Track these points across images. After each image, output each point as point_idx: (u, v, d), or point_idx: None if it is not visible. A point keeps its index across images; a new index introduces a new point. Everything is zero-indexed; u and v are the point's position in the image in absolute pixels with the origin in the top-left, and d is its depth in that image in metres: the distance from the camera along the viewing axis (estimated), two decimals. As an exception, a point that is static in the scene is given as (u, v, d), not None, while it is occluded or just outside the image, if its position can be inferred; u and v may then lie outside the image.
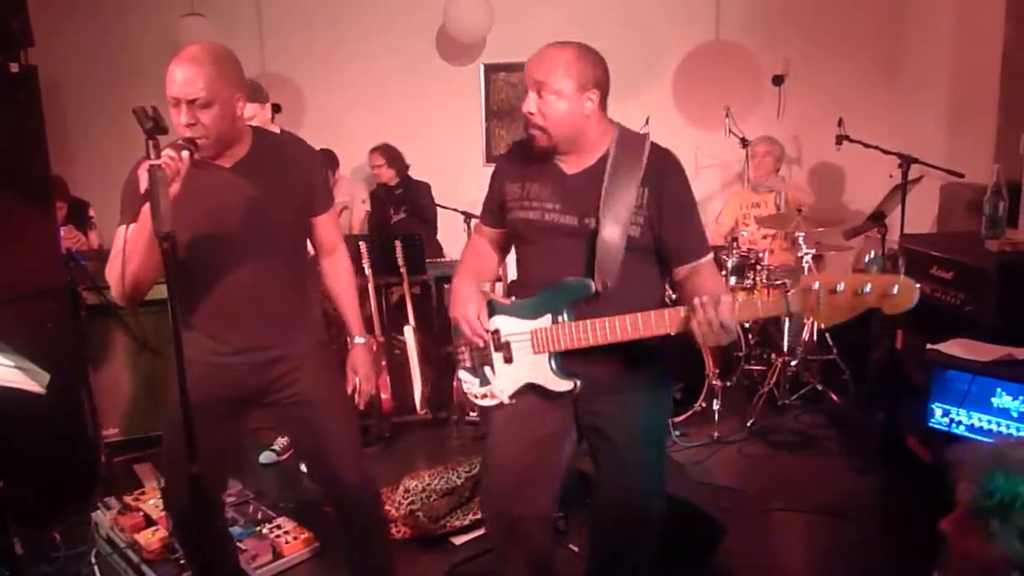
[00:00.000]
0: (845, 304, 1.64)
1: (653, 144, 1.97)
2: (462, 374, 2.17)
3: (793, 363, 4.32)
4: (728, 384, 4.28)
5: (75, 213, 4.45)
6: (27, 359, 2.39)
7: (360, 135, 5.39)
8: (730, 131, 5.23)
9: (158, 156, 1.66)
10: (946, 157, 4.21)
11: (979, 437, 2.67)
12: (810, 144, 5.61)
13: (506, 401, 2.07)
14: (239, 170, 2.10)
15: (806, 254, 4.19)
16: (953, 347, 2.86)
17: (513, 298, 2.12)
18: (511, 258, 2.25)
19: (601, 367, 1.95)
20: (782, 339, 4.33)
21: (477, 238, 2.27)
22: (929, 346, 2.92)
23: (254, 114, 3.09)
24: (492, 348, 2.07)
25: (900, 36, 5.49)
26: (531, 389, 2.04)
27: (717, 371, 4.11)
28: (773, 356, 4.38)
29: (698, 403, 4.09)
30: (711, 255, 2.03)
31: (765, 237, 4.75)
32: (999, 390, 2.64)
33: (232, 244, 2.08)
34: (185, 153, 1.86)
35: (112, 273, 1.97)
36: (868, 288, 1.61)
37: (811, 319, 1.73)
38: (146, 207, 1.76)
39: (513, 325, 2.03)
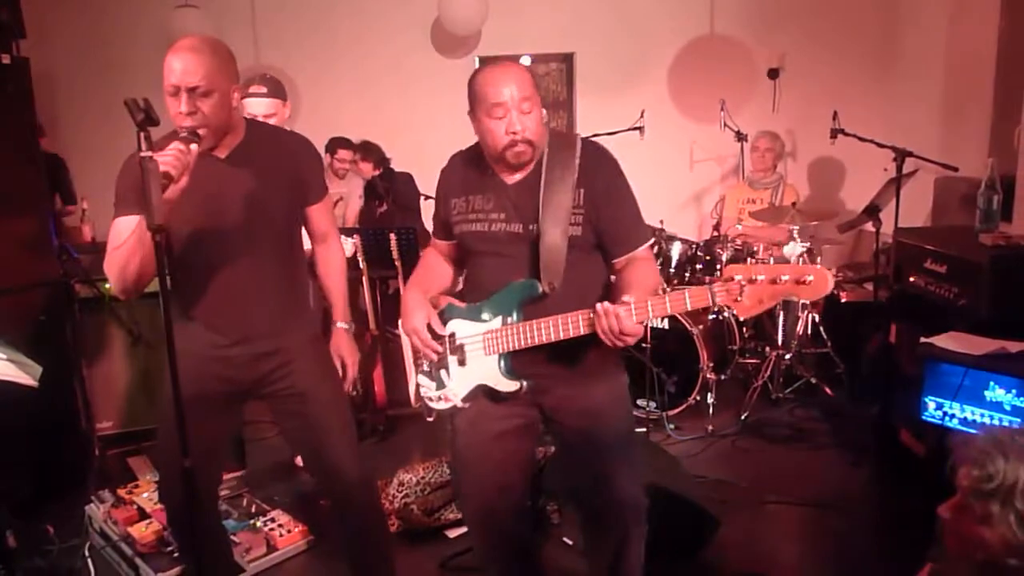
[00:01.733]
0: (765, 293, 1.69)
1: (585, 142, 2.02)
2: (420, 378, 2.19)
3: (787, 356, 4.33)
4: (722, 377, 4.29)
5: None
6: (20, 352, 2.39)
7: (354, 127, 5.37)
8: (725, 124, 5.22)
9: (149, 148, 1.65)
10: (940, 151, 4.22)
11: (972, 430, 2.68)
12: (805, 138, 5.61)
13: (459, 404, 2.09)
14: (233, 160, 2.10)
15: (801, 247, 4.20)
16: (946, 340, 2.87)
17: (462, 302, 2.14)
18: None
19: (544, 365, 1.99)
20: (776, 333, 4.34)
21: (431, 251, 2.29)
22: (922, 339, 2.93)
23: (275, 111, 3.07)
24: (448, 351, 2.09)
25: (895, 30, 5.49)
26: (481, 391, 2.06)
27: (711, 364, 4.12)
28: (767, 349, 4.39)
29: (692, 396, 4.10)
30: (646, 245, 2.06)
31: (759, 231, 4.75)
32: (992, 383, 2.65)
33: (228, 234, 2.08)
34: (193, 146, 1.88)
35: (113, 267, 1.96)
36: (785, 277, 1.67)
37: (734, 310, 1.75)
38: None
39: (467, 328, 2.05)
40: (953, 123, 4.72)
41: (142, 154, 1.65)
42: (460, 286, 2.23)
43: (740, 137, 5.26)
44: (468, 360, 2.05)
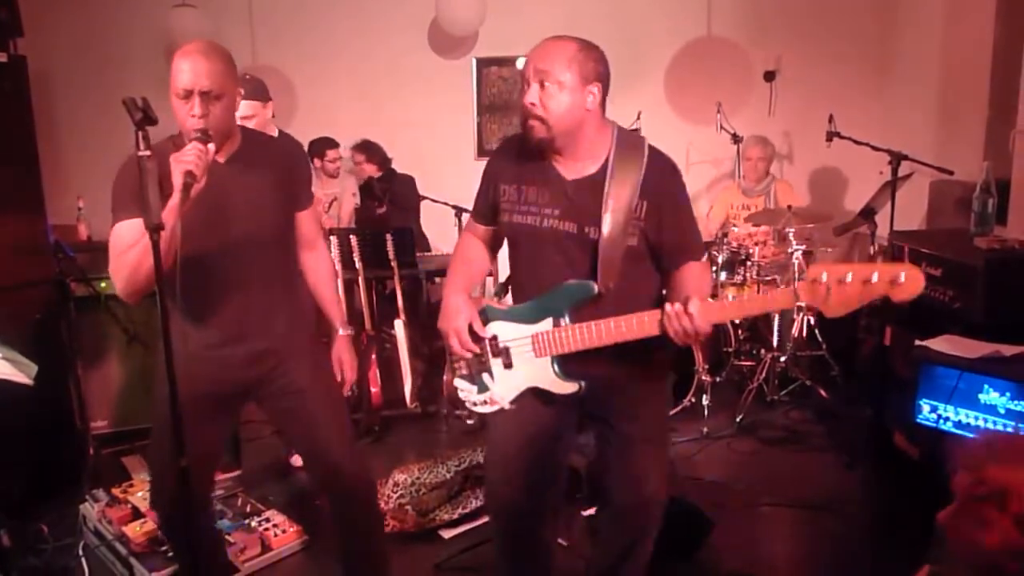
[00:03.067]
0: (854, 293, 1.63)
1: (651, 149, 1.96)
2: (458, 382, 2.14)
3: (782, 359, 4.34)
4: (717, 380, 4.29)
5: None
6: (15, 350, 2.39)
7: (351, 128, 5.37)
8: (721, 127, 5.23)
9: (148, 147, 1.66)
10: (936, 154, 4.23)
11: (966, 433, 2.69)
12: (801, 140, 5.62)
13: (506, 407, 2.05)
14: (233, 164, 2.11)
15: (796, 250, 4.21)
16: (941, 344, 2.87)
17: (509, 303, 2.10)
18: (502, 254, 2.23)
19: (602, 367, 1.95)
20: (771, 335, 4.35)
21: (468, 237, 2.23)
22: (917, 342, 2.94)
23: (254, 112, 3.04)
24: (490, 354, 2.05)
25: (890, 34, 5.50)
26: (532, 394, 2.02)
27: (707, 367, 4.13)
28: (762, 352, 4.40)
29: (687, 398, 4.11)
30: (704, 256, 2.05)
31: (753, 235, 4.75)
32: (986, 386, 2.66)
33: (227, 236, 2.09)
34: (211, 146, 1.90)
35: (121, 272, 1.95)
36: (876, 277, 1.61)
37: (816, 311, 1.70)
38: (173, 201, 1.81)
39: (511, 330, 2.01)
40: (948, 127, 4.73)
41: (140, 153, 1.65)
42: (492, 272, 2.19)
43: (736, 139, 5.27)
44: (516, 363, 2.01)
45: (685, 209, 2.02)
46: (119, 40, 5.48)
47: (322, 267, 2.43)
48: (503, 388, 2.05)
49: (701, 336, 1.75)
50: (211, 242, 2.06)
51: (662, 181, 1.94)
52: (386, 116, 5.68)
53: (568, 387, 1.96)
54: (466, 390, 2.13)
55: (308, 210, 2.33)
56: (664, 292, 2.02)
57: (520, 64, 5.74)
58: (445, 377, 3.98)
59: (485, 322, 2.05)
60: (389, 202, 5.18)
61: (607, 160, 1.92)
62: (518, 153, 2.03)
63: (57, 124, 5.35)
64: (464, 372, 2.13)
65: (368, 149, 5.27)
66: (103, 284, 3.80)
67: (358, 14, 5.70)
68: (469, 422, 4.03)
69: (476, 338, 2.04)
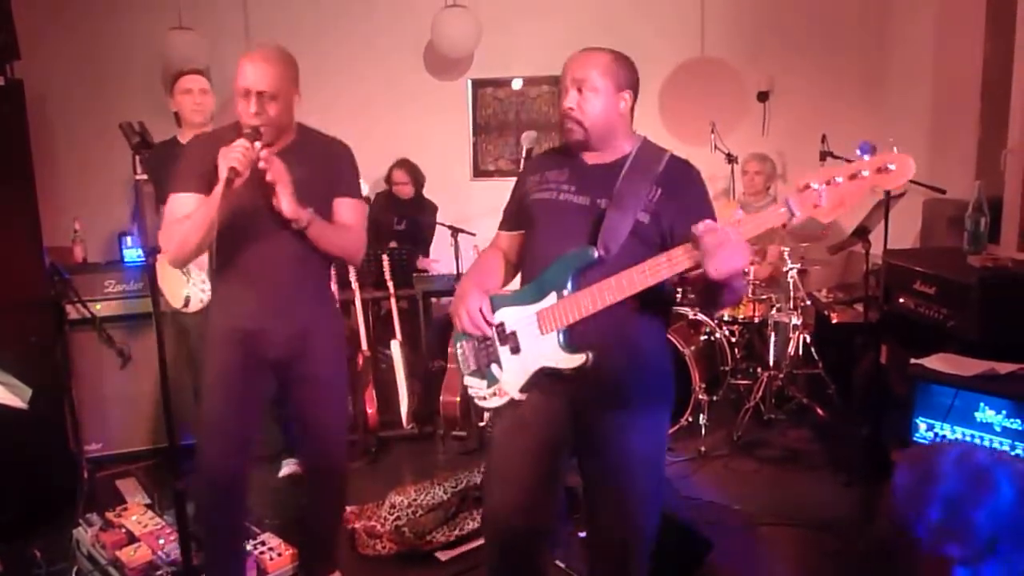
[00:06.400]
0: (845, 192, 1.64)
1: (672, 156, 2.06)
2: (468, 379, 2.15)
3: (779, 377, 4.34)
4: (714, 398, 4.29)
5: None
6: (9, 373, 2.38)
7: (347, 149, 5.39)
8: (716, 147, 5.26)
9: (145, 171, 1.69)
10: (928, 173, 4.25)
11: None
12: (795, 160, 5.64)
13: (516, 396, 2.04)
14: (284, 156, 2.29)
15: (791, 269, 4.22)
16: (936, 362, 2.88)
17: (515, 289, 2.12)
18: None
19: (608, 334, 1.94)
20: (768, 353, 4.35)
21: (490, 250, 2.28)
22: (913, 360, 2.94)
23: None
24: (498, 342, 2.06)
25: (882, 54, 5.55)
26: (542, 377, 2.01)
27: (703, 385, 4.12)
28: (759, 370, 4.40)
29: (684, 417, 4.10)
30: None
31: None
32: (982, 404, 2.66)
33: (269, 219, 2.29)
34: (258, 144, 2.16)
35: (170, 240, 2.26)
36: (866, 172, 1.63)
37: (816, 217, 1.67)
38: (216, 190, 2.10)
39: (517, 313, 2.03)
40: (940, 145, 4.76)
41: (137, 178, 1.68)
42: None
43: (730, 159, 5.30)
44: (523, 346, 2.02)
45: (704, 202, 2.04)
46: (116, 63, 5.50)
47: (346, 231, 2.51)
48: (512, 376, 2.05)
49: (742, 246, 1.69)
50: (256, 222, 2.29)
51: (680, 177, 2.03)
52: (381, 137, 5.69)
53: (575, 359, 1.94)
54: (475, 386, 2.14)
55: (347, 198, 2.49)
56: (680, 291, 2.03)
57: (516, 85, 5.82)
58: (442, 398, 4.01)
59: (492, 311, 2.07)
60: (410, 225, 5.17)
61: (629, 152, 2.05)
62: (553, 153, 2.21)
63: (54, 146, 5.35)
64: (472, 368, 2.13)
65: (412, 170, 5.23)
66: (98, 306, 3.80)
67: (354, 36, 5.74)
68: (481, 424, 4.01)
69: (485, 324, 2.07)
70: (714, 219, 1.92)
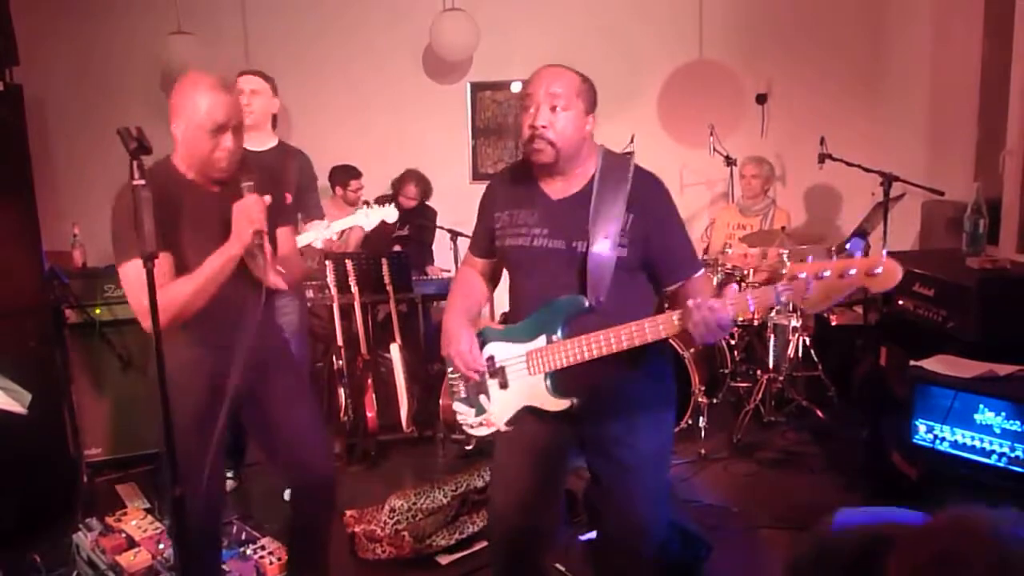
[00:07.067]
0: (832, 288, 1.67)
1: (637, 167, 2.00)
2: (457, 405, 2.16)
3: (779, 380, 4.34)
4: (714, 401, 4.29)
5: None
6: (9, 379, 2.38)
7: (346, 154, 5.38)
8: (714, 150, 5.27)
9: (143, 176, 1.67)
10: (927, 175, 4.26)
11: (963, 453, 2.68)
12: (794, 162, 5.66)
13: (502, 428, 2.06)
14: (224, 188, 2.18)
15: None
16: (936, 364, 2.87)
17: (506, 323, 2.12)
18: (501, 287, 2.24)
19: (599, 383, 1.96)
20: (767, 356, 4.35)
21: (466, 270, 2.26)
22: (912, 362, 2.94)
23: (261, 90, 3.27)
24: (487, 376, 2.07)
25: (880, 56, 5.56)
26: (528, 412, 2.03)
27: (703, 388, 4.12)
28: (759, 373, 4.40)
29: (684, 420, 4.10)
30: (702, 270, 2.06)
31: (747, 256, 4.76)
32: (982, 406, 2.66)
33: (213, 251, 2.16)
34: (267, 197, 2.12)
35: (170, 309, 1.99)
36: (853, 271, 1.64)
37: (801, 307, 1.75)
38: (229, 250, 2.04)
39: (507, 350, 2.03)
40: (939, 147, 4.77)
41: (135, 182, 1.66)
42: (494, 303, 2.23)
43: (729, 162, 5.31)
44: (511, 382, 2.03)
45: (674, 220, 2.04)
46: (115, 68, 5.50)
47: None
48: (500, 409, 2.06)
49: (725, 327, 1.74)
50: (202, 256, 2.13)
51: (648, 194, 1.99)
52: (381, 141, 5.71)
53: (560, 404, 1.97)
54: (464, 413, 2.14)
55: (287, 227, 2.42)
56: (666, 307, 2.04)
57: (516, 88, 5.82)
58: (442, 401, 4.01)
59: (482, 343, 2.07)
60: (412, 229, 5.17)
61: (593, 177, 1.98)
62: (511, 180, 2.10)
63: (53, 151, 5.36)
64: (463, 395, 2.15)
65: (422, 184, 5.25)
66: (98, 311, 3.80)
67: (353, 40, 5.74)
68: (467, 447, 4.02)
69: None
70: (683, 231, 2.04)
